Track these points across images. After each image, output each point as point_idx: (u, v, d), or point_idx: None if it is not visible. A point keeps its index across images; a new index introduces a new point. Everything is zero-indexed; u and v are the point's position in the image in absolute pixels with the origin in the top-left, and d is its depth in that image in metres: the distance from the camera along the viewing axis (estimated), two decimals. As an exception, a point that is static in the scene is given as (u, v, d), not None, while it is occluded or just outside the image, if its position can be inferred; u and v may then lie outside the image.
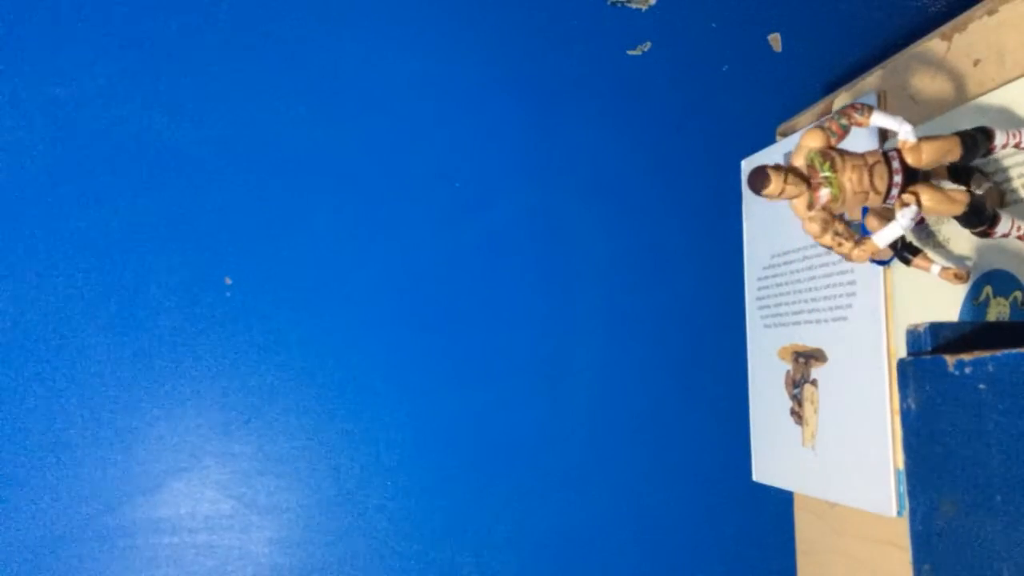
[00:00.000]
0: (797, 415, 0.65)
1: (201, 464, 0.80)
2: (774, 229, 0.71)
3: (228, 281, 0.82)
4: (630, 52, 0.93)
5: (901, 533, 0.61)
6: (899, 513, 0.57)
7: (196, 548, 0.79)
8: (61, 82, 0.80)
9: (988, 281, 0.52)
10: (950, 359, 0.37)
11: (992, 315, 0.51)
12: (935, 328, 0.40)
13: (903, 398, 0.40)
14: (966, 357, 0.36)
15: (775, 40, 0.96)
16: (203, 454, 0.80)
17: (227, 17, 0.84)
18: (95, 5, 0.81)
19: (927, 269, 0.54)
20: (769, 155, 0.73)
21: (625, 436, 0.88)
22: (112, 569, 0.78)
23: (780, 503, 0.82)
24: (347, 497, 0.82)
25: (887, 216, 0.49)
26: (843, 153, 0.47)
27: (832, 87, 0.96)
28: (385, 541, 0.83)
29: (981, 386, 0.36)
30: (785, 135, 0.76)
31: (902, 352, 0.54)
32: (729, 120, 0.94)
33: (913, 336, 0.40)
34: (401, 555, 0.83)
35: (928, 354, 0.39)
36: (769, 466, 0.71)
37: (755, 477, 0.74)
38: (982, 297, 0.52)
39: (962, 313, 0.53)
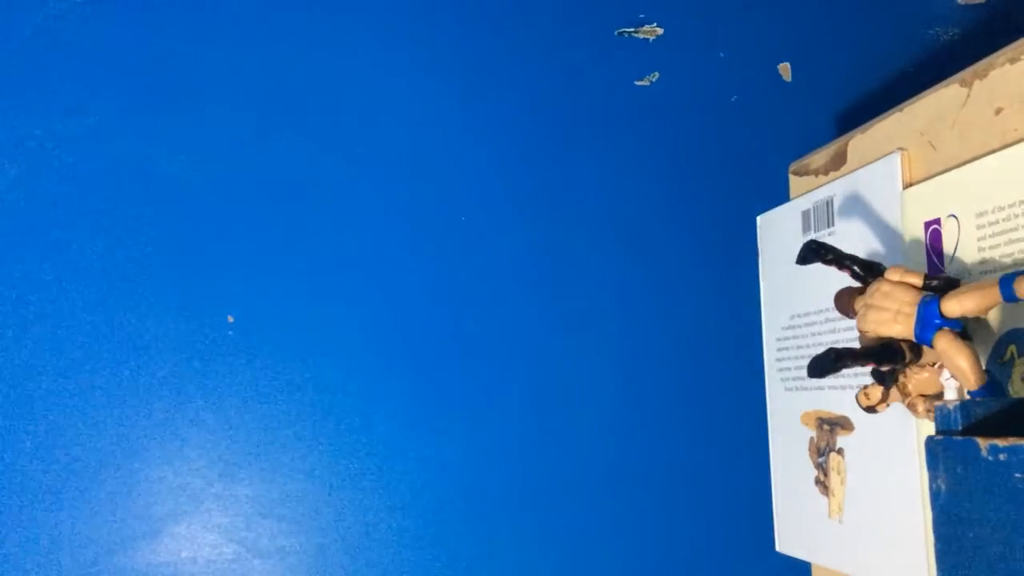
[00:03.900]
0: (823, 485, 0.64)
1: (202, 507, 0.79)
2: (794, 288, 0.69)
3: (231, 320, 0.80)
4: (638, 83, 0.92)
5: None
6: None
7: (197, 591, 0.78)
8: (59, 118, 0.79)
9: (1012, 340, 0.50)
10: (983, 443, 0.36)
11: (1017, 375, 0.50)
12: (966, 407, 0.38)
13: (932, 478, 0.38)
14: (1000, 443, 0.35)
15: (784, 69, 0.95)
16: (204, 497, 0.79)
17: (227, 49, 0.82)
18: (92, 40, 0.80)
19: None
20: (787, 212, 0.72)
21: (640, 498, 0.86)
22: (112, 615, 0.76)
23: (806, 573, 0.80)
24: (351, 541, 0.81)
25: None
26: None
27: (845, 120, 0.95)
28: (390, 584, 0.81)
29: (1017, 475, 0.34)
30: (798, 174, 0.75)
31: (929, 427, 0.53)
32: (740, 151, 0.93)
33: (942, 414, 0.39)
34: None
35: (959, 434, 0.38)
36: (793, 536, 0.69)
37: (778, 547, 0.72)
38: (1007, 356, 0.50)
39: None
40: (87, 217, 0.79)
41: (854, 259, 0.53)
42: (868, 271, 0.52)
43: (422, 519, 0.82)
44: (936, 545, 0.38)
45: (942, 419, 0.39)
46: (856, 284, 0.54)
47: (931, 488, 0.38)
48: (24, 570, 0.75)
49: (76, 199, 0.79)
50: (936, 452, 0.38)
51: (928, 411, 0.52)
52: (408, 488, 0.82)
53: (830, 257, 0.52)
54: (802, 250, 0.53)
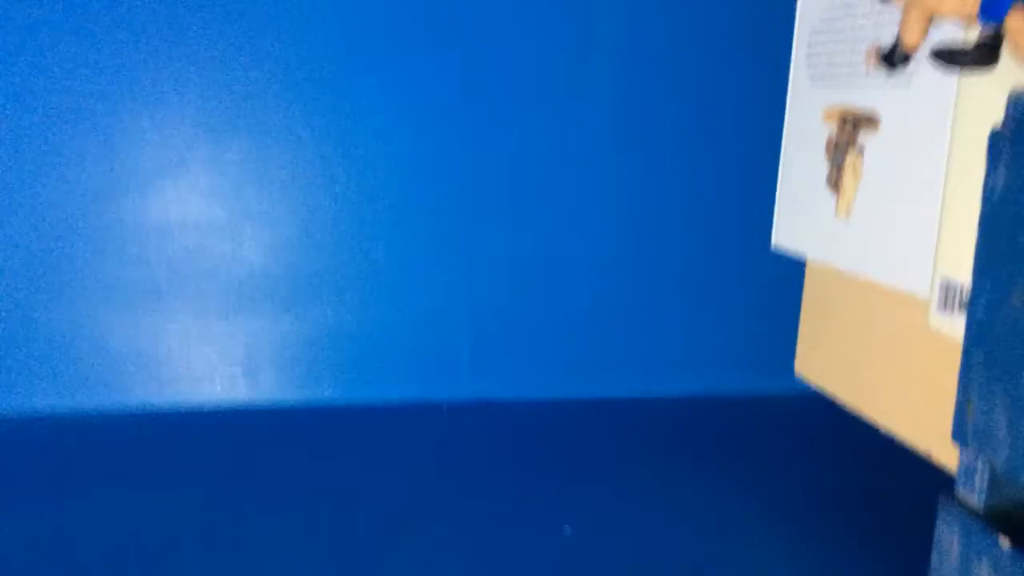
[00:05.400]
0: (834, 183, 0.61)
1: (188, 169, 0.76)
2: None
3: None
4: None
5: (908, 323, 0.58)
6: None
7: (187, 251, 0.77)
8: None
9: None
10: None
11: None
12: (1044, 96, 0.34)
13: (989, 174, 0.36)
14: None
15: None
16: (190, 158, 0.76)
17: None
18: None
19: None
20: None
21: (635, 179, 0.84)
22: (104, 268, 0.76)
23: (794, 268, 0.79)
24: (343, 210, 0.79)
25: None
26: None
27: None
28: (378, 257, 0.81)
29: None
30: None
31: (969, 127, 0.49)
32: None
33: (1017, 105, 0.35)
34: (393, 273, 0.81)
35: (1031, 128, 0.34)
36: (793, 232, 0.67)
37: (775, 242, 0.70)
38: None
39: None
40: None
41: None
42: None
43: (414, 197, 0.80)
44: (979, 242, 0.36)
45: (1017, 110, 0.35)
46: None
47: (986, 184, 0.36)
48: (10, 225, 0.73)
49: None
50: (1000, 147, 0.35)
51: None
52: (404, 162, 0.79)
53: None
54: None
